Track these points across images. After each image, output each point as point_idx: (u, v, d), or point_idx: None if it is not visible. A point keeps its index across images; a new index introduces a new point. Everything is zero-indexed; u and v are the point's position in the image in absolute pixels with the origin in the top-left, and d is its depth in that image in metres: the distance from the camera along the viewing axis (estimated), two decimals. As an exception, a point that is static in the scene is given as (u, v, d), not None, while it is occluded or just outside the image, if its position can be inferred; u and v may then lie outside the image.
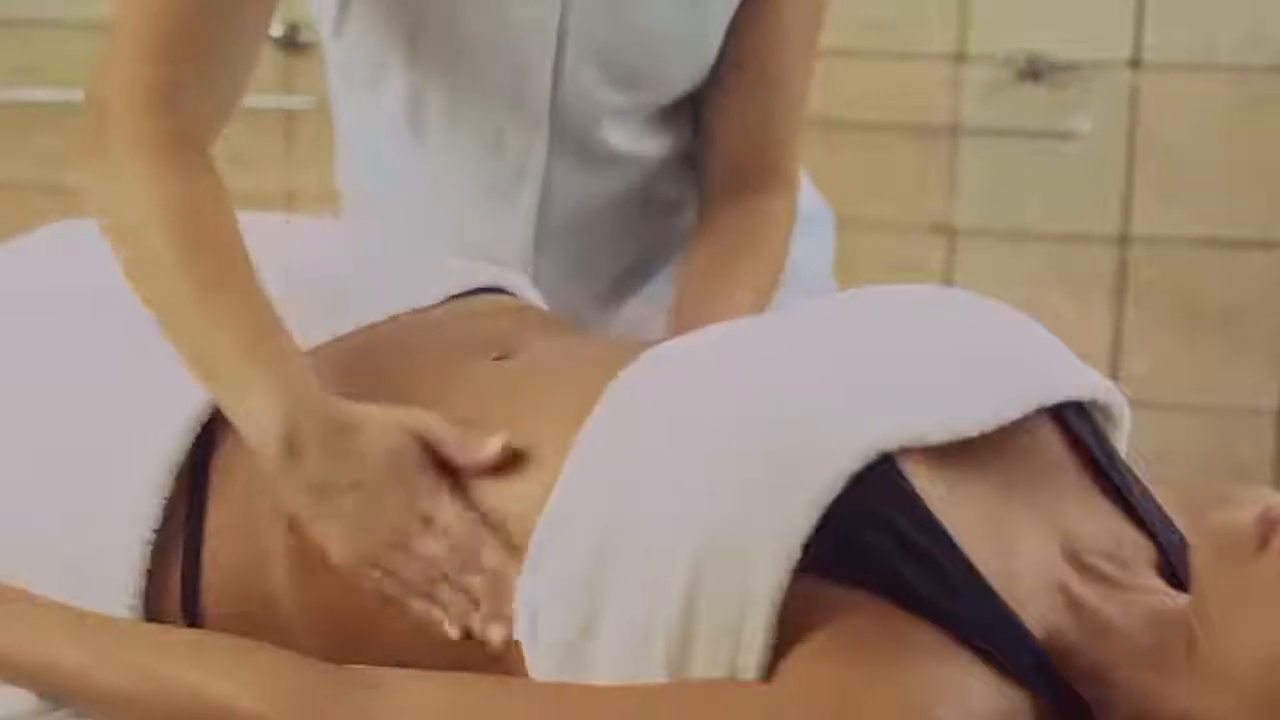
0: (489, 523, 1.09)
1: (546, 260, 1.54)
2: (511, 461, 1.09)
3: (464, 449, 1.10)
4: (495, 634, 1.07)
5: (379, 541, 1.09)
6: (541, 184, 1.49)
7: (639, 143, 1.51)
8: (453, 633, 1.08)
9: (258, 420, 1.11)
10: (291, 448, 1.09)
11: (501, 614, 1.07)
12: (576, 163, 1.49)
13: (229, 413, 1.13)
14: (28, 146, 2.90)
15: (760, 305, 1.44)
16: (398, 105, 1.47)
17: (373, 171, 1.57)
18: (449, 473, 1.11)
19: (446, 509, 1.09)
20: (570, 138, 1.47)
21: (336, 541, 1.10)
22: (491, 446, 1.09)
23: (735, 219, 1.48)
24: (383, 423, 1.11)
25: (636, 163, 1.52)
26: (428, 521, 1.09)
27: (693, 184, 1.55)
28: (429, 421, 1.11)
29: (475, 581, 1.08)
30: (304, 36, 2.68)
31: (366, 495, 1.09)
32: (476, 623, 1.08)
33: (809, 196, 1.66)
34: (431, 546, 1.09)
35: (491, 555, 1.08)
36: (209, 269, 1.15)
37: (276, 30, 2.77)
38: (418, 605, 1.09)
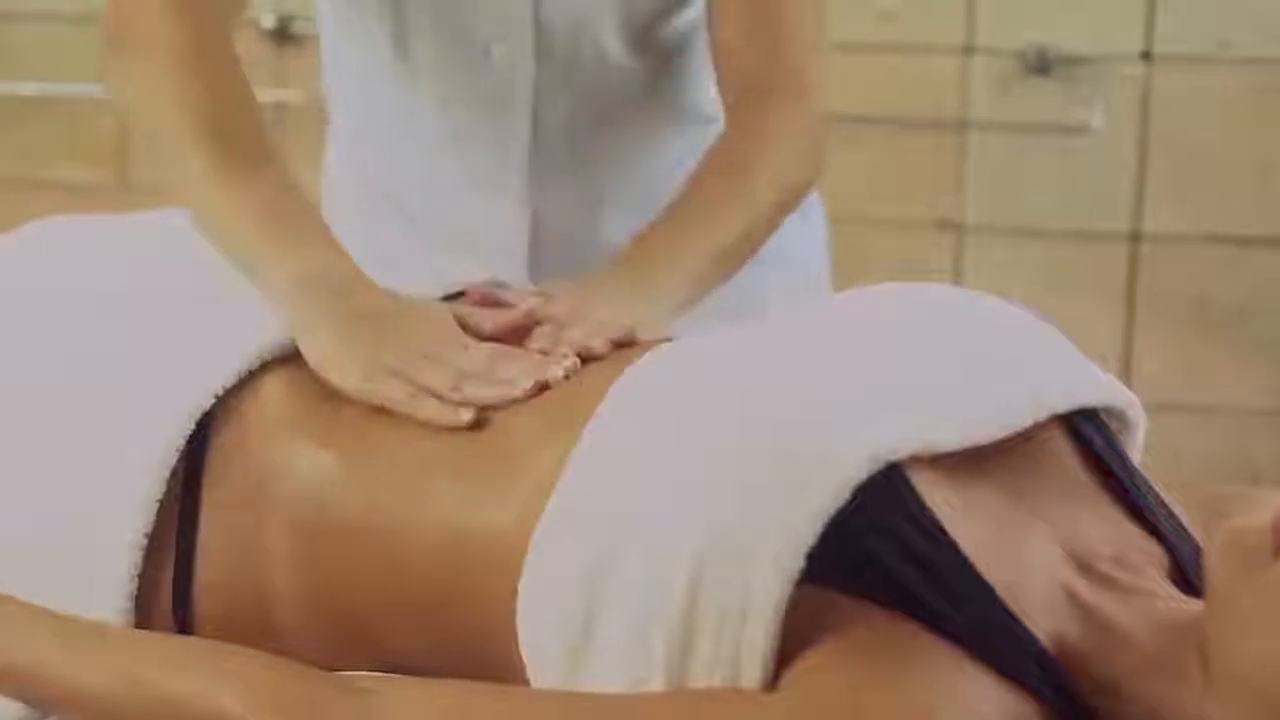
0: None
1: (549, 193, 1.53)
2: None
3: (482, 314, 1.19)
4: (554, 371, 1.11)
5: (410, 351, 1.13)
6: (532, 102, 1.49)
7: (626, 59, 1.49)
8: (465, 416, 1.10)
9: (312, 257, 1.18)
10: (343, 287, 1.16)
11: (546, 370, 1.11)
12: (565, 79, 1.49)
13: (269, 266, 1.19)
14: (7, 140, 2.91)
15: (771, 201, 1.40)
16: (384, 32, 1.49)
17: (369, 118, 1.59)
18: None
19: (479, 345, 1.16)
20: (556, 50, 1.47)
21: (361, 354, 1.14)
22: (524, 303, 1.19)
23: (746, 127, 1.43)
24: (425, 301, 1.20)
25: (625, 78, 1.51)
26: (462, 345, 1.15)
27: (690, 122, 1.54)
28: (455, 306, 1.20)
29: (509, 368, 1.12)
30: (297, 29, 2.67)
31: (407, 321, 1.15)
32: (525, 380, 1.11)
33: None
34: (464, 358, 1.13)
35: (526, 353, 1.14)
36: (234, 157, 1.21)
37: (269, 23, 2.79)
38: (428, 406, 1.11)
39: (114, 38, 1.27)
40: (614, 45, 1.48)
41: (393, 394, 1.12)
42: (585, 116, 1.52)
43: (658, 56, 1.52)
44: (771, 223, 1.40)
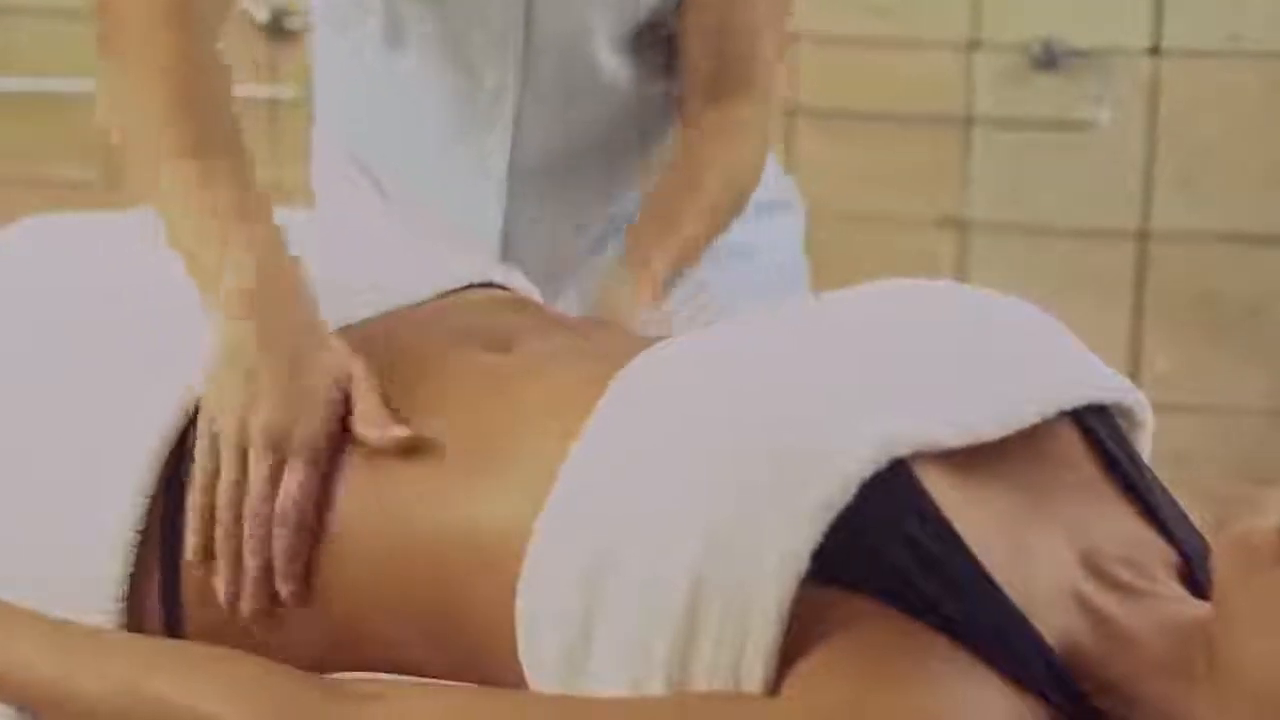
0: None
1: (522, 204, 1.56)
2: (416, 451, 1.10)
3: (368, 422, 1.11)
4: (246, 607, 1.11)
5: (246, 437, 1.11)
6: (514, 111, 1.52)
7: (614, 71, 1.52)
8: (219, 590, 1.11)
9: (237, 269, 1.14)
10: (254, 306, 1.13)
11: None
12: (551, 90, 1.51)
13: (203, 268, 1.16)
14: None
15: (728, 200, 1.49)
16: (377, 39, 1.51)
17: (352, 120, 1.62)
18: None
19: (301, 471, 1.11)
20: (545, 62, 1.49)
21: (220, 409, 1.12)
22: (393, 432, 1.10)
23: (705, 125, 1.51)
24: (339, 354, 1.14)
25: (611, 94, 1.53)
26: (283, 460, 1.11)
27: (671, 132, 1.58)
28: (365, 384, 1.13)
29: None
30: (290, 23, 2.67)
31: (272, 403, 1.11)
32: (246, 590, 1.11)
33: (775, 180, 1.67)
34: (262, 489, 1.11)
35: (278, 540, 1.11)
36: (199, 132, 1.20)
37: (262, 16, 2.81)
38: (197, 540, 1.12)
39: (105, 42, 1.26)
40: (606, 58, 1.50)
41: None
42: (565, 145, 1.55)
43: (647, 70, 1.54)
44: (722, 227, 1.49)
